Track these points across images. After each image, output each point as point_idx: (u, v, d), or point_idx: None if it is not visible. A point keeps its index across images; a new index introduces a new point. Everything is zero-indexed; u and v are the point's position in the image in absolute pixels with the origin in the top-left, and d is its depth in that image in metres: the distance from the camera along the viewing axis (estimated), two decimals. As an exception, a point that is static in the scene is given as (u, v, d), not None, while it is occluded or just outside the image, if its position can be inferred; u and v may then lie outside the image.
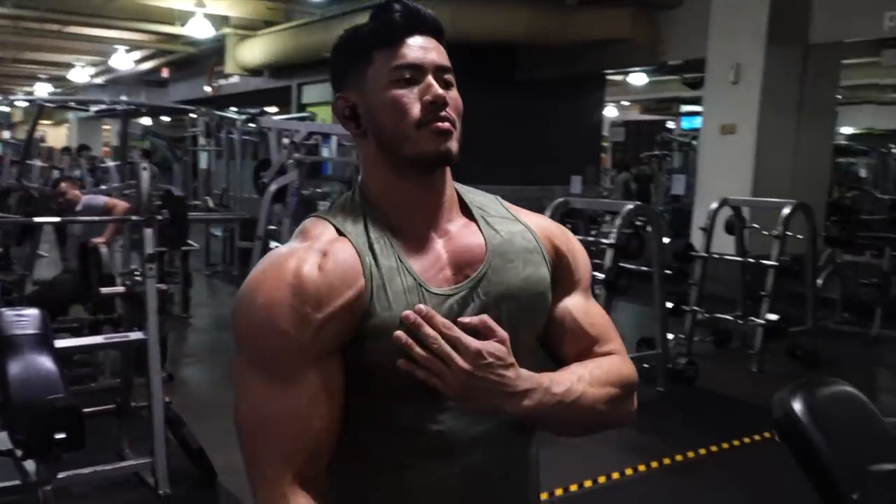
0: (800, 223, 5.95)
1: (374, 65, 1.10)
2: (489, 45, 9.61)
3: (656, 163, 12.95)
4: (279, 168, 6.32)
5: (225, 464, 3.70)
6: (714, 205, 6.10)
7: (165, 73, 17.66)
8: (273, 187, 6.31)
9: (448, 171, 1.16)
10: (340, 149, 6.72)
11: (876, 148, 13.11)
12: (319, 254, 1.05)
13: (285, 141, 6.19)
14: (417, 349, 1.03)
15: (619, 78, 14.16)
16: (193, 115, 9.92)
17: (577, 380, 1.13)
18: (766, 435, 4.36)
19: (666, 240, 5.57)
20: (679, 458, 4.04)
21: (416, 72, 1.09)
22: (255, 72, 13.65)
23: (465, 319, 1.07)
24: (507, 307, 1.11)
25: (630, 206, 5.13)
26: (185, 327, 6.64)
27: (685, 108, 16.91)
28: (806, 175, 8.33)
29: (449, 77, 1.12)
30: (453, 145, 1.10)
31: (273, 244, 7.27)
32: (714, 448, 4.18)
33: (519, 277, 1.14)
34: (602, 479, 3.77)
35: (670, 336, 5.37)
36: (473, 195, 1.22)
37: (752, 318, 5.65)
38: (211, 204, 8.31)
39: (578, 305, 1.22)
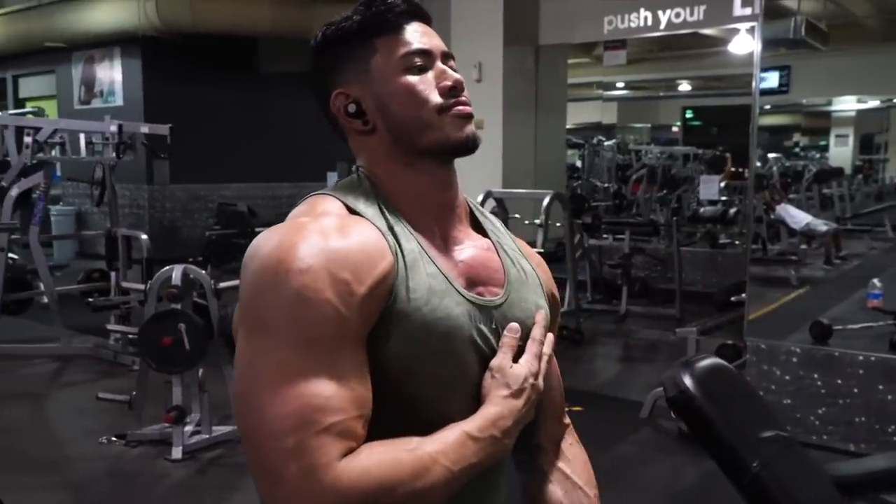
0: (556, 212, 6.40)
1: (379, 54, 1.04)
2: (230, 37, 9.30)
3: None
4: (21, 170, 5.65)
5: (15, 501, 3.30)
6: (480, 197, 6.39)
7: None
8: (14, 192, 5.63)
9: (457, 176, 1.10)
10: (89, 147, 6.16)
11: (588, 140, 14.40)
12: (340, 225, 0.95)
13: (27, 139, 5.54)
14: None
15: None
16: None
17: None
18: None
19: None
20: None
21: (426, 58, 1.05)
22: (-44, 62, 12.07)
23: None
24: (524, 333, 1.06)
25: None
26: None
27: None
28: (545, 167, 8.95)
29: (454, 64, 1.08)
30: (474, 131, 1.06)
31: (11, 255, 6.50)
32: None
33: (530, 316, 1.08)
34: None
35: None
36: (485, 213, 1.16)
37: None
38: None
39: (554, 363, 1.21)
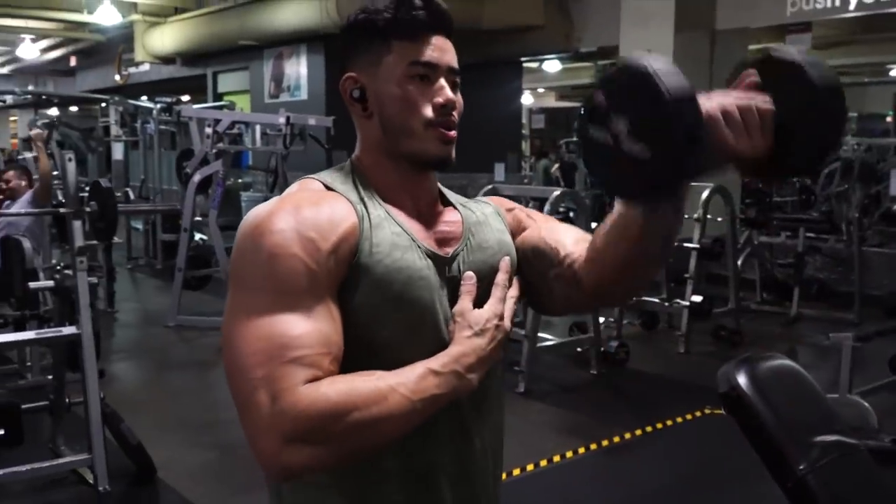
0: (717, 206, 6.15)
1: (392, 54, 1.14)
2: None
3: (575, 149, 13.14)
4: (202, 158, 6.19)
5: (163, 459, 3.67)
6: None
7: (73, 61, 17.07)
8: (197, 178, 6.19)
9: (434, 180, 1.24)
10: (264, 138, 6.62)
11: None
12: (314, 198, 1.11)
13: (208, 130, 6.06)
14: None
15: (534, 65, 14.33)
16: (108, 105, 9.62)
17: None
18: (697, 413, 4.52)
19: (594, 225, 5.70)
20: (616, 439, 4.15)
21: (431, 71, 1.14)
22: (166, 60, 13.29)
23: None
24: (485, 274, 1.17)
25: (557, 192, 5.22)
26: (111, 322, 6.48)
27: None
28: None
29: (457, 80, 1.18)
30: (453, 152, 1.17)
31: (198, 236, 7.14)
32: (648, 428, 4.31)
33: (492, 255, 1.21)
34: (543, 463, 3.83)
35: (601, 320, 5.49)
36: (450, 193, 1.30)
37: (678, 301, 5.83)
38: (132, 196, 8.11)
39: (544, 227, 1.30)
